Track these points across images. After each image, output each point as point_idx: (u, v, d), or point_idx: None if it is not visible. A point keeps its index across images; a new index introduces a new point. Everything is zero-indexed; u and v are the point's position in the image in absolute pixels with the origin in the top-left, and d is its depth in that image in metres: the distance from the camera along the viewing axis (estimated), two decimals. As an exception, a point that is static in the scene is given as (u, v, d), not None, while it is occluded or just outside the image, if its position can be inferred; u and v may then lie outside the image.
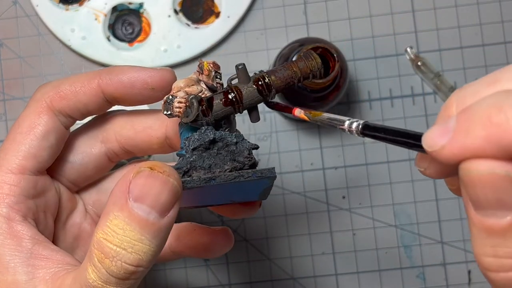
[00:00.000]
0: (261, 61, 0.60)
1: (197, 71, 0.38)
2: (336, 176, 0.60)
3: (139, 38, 0.61)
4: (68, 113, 0.40)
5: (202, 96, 0.37)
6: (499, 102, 0.23)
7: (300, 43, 0.54)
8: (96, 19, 0.60)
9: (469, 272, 0.59)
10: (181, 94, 0.37)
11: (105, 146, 0.42)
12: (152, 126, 0.41)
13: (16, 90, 0.61)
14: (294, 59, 0.38)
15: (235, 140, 0.36)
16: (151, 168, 0.32)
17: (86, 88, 0.39)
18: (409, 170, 0.59)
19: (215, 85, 0.38)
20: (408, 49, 0.59)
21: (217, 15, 0.60)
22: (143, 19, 0.61)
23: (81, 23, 0.60)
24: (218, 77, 0.38)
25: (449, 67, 0.60)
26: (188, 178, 0.35)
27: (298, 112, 0.36)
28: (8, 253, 0.36)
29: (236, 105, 0.36)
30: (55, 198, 0.41)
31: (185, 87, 0.37)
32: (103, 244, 0.32)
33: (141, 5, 0.60)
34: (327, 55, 0.49)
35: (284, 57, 0.53)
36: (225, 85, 0.38)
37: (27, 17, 0.61)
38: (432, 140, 0.25)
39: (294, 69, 0.37)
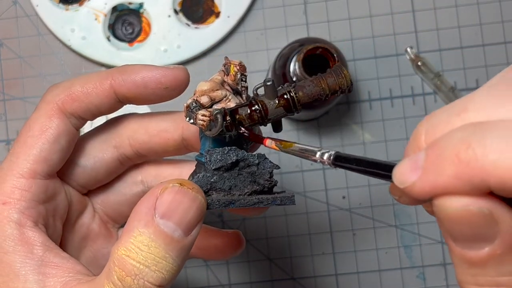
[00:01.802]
0: (261, 61, 0.60)
1: (222, 71, 0.37)
2: (336, 176, 0.60)
3: (139, 38, 0.61)
4: (79, 115, 0.39)
5: (227, 102, 0.36)
6: (467, 138, 0.23)
7: (300, 43, 0.54)
8: (96, 19, 0.60)
9: (469, 272, 0.59)
10: (205, 99, 0.36)
11: (118, 151, 0.41)
12: (167, 129, 0.40)
13: (16, 90, 0.61)
14: (324, 73, 0.37)
15: (257, 161, 0.36)
16: (180, 184, 0.32)
17: (99, 90, 0.38)
18: (409, 170, 0.59)
19: (240, 88, 0.37)
20: (408, 49, 0.59)
21: (217, 15, 0.60)
22: (143, 19, 0.61)
23: (81, 23, 0.60)
24: (244, 79, 0.37)
25: (449, 67, 0.60)
26: (209, 201, 0.34)
27: (269, 143, 0.35)
28: (19, 260, 0.35)
29: (261, 120, 0.36)
30: (65, 201, 0.40)
31: (209, 91, 0.36)
32: (125, 262, 0.31)
33: (141, 5, 0.60)
34: (327, 55, 0.49)
35: (284, 57, 0.53)
36: (249, 90, 0.37)
37: (27, 17, 0.61)
38: (403, 176, 0.25)
39: (323, 85, 0.36)
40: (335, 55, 0.49)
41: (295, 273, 0.59)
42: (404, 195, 0.28)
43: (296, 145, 0.33)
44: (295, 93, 0.36)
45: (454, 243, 0.24)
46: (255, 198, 0.35)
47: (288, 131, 0.60)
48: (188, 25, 0.61)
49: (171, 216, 0.32)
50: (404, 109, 0.60)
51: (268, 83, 0.36)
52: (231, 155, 0.36)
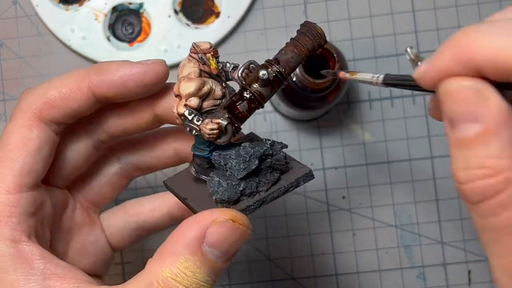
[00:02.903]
0: (261, 61, 0.60)
1: (195, 59, 0.36)
2: (336, 176, 0.60)
3: (139, 38, 0.61)
4: (58, 120, 0.38)
5: (214, 93, 0.35)
6: (467, 28, 0.28)
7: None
8: (96, 19, 0.60)
9: (469, 272, 0.59)
10: (195, 102, 0.34)
11: (92, 138, 0.41)
12: (139, 109, 0.40)
13: (16, 90, 0.61)
14: (299, 37, 0.36)
15: (271, 151, 0.36)
16: (233, 221, 0.33)
17: (76, 93, 0.37)
18: (409, 170, 0.59)
19: (219, 72, 0.36)
20: (408, 49, 0.59)
21: (217, 15, 0.60)
22: (143, 19, 0.61)
23: (81, 23, 0.60)
24: (219, 62, 0.36)
25: (449, 67, 0.60)
26: (243, 207, 0.35)
27: (343, 74, 0.39)
28: (22, 278, 0.34)
29: (259, 106, 0.36)
30: (51, 206, 0.40)
31: (196, 91, 0.35)
32: (171, 284, 0.32)
33: (141, 5, 0.60)
34: (327, 55, 0.49)
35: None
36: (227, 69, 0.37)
37: (27, 17, 0.61)
38: (419, 70, 0.30)
39: (304, 51, 0.36)
40: (335, 55, 0.49)
41: (295, 273, 0.59)
42: (432, 103, 0.33)
43: (358, 73, 0.38)
44: (284, 70, 0.35)
45: (451, 127, 0.27)
46: (282, 187, 0.36)
47: (289, 131, 0.60)
48: (188, 25, 0.61)
49: (219, 246, 0.33)
50: (404, 109, 0.60)
51: (264, 77, 0.35)
52: (254, 162, 0.35)
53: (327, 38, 0.59)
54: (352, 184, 0.59)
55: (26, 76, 0.61)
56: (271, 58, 0.37)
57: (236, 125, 0.35)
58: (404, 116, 0.60)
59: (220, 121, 0.34)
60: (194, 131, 0.34)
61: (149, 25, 0.61)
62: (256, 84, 0.35)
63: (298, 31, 0.36)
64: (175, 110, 0.35)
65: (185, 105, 0.34)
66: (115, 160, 0.44)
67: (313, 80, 0.49)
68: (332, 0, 0.60)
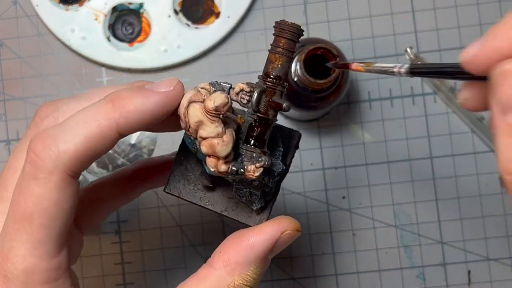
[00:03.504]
0: (261, 61, 0.60)
1: (221, 120, 0.34)
2: (336, 176, 0.60)
3: (139, 38, 0.61)
4: (85, 168, 0.35)
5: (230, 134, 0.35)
6: None
7: (301, 44, 0.54)
8: (96, 19, 0.60)
9: (469, 272, 0.59)
10: (231, 156, 0.35)
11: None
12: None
13: (16, 90, 0.61)
14: (273, 45, 0.38)
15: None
16: (297, 230, 0.38)
17: (104, 140, 0.34)
18: (409, 170, 0.59)
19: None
20: (408, 49, 0.59)
21: (217, 15, 0.60)
22: (143, 19, 0.61)
23: (81, 23, 0.60)
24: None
25: (449, 67, 0.60)
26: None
27: (355, 66, 0.39)
28: None
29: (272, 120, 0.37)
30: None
31: (229, 154, 0.35)
32: None
33: (141, 5, 0.60)
34: (328, 55, 0.49)
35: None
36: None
37: (27, 17, 0.61)
38: (467, 52, 0.28)
39: (289, 55, 0.37)
40: (336, 55, 0.49)
41: (295, 273, 0.59)
42: (471, 93, 0.30)
43: (375, 64, 0.37)
44: (282, 86, 0.37)
45: (504, 113, 0.26)
46: (288, 161, 0.39)
47: (288, 131, 0.60)
48: (188, 25, 0.61)
49: (279, 250, 0.38)
50: (404, 109, 0.60)
51: (288, 109, 0.36)
52: (263, 196, 0.38)
53: (327, 38, 0.60)
54: (352, 184, 0.59)
55: (26, 76, 0.61)
56: (269, 72, 0.37)
57: (267, 151, 0.37)
58: (403, 116, 0.60)
59: (263, 163, 0.35)
60: (237, 179, 0.36)
61: (149, 25, 0.61)
62: (272, 111, 0.36)
63: (277, 35, 0.37)
64: (214, 170, 0.35)
65: (226, 163, 0.35)
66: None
67: (314, 80, 0.49)
68: (332, 0, 0.60)
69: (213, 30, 0.60)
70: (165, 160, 0.45)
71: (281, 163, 0.37)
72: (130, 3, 0.60)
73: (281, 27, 0.37)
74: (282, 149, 0.38)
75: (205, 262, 0.60)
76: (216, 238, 0.59)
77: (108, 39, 0.60)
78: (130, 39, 0.61)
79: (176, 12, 0.60)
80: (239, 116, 0.36)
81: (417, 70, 0.33)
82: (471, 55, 0.27)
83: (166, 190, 0.39)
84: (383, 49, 0.60)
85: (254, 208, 0.38)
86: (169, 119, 0.36)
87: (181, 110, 0.35)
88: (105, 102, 0.34)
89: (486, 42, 0.27)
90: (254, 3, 0.61)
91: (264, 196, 0.38)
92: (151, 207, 0.60)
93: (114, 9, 0.60)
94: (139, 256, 0.60)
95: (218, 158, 0.34)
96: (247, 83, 0.36)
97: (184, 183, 0.39)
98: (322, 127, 0.60)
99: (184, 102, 0.35)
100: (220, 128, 0.34)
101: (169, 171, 0.39)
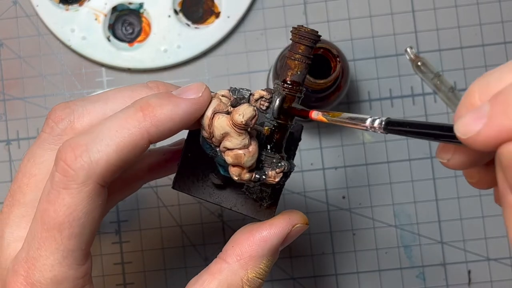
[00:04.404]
0: (261, 61, 0.60)
1: (248, 133, 0.34)
2: (336, 176, 0.60)
3: (139, 38, 0.61)
4: (116, 177, 0.35)
5: (253, 142, 0.35)
6: None
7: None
8: (96, 19, 0.60)
9: (469, 272, 0.59)
10: (254, 165, 0.36)
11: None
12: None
13: (16, 90, 0.61)
14: (292, 48, 0.38)
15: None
16: (307, 224, 0.39)
17: (136, 150, 0.34)
18: (409, 170, 0.59)
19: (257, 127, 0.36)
20: (408, 49, 0.59)
21: (217, 15, 0.60)
22: (143, 19, 0.61)
23: (81, 23, 0.60)
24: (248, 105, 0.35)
25: (449, 67, 0.60)
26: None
27: (316, 114, 0.35)
28: None
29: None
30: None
31: (254, 161, 0.35)
32: (256, 282, 0.39)
33: (141, 5, 0.60)
34: (328, 55, 0.49)
35: (285, 58, 0.53)
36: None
37: (27, 17, 0.61)
38: (466, 127, 0.25)
39: (307, 62, 0.37)
40: (336, 55, 0.49)
41: (295, 273, 0.59)
42: (455, 155, 0.28)
43: (344, 113, 0.33)
44: (300, 93, 0.37)
45: None
46: (288, 162, 0.38)
47: (288, 131, 0.60)
48: (188, 25, 0.61)
49: (288, 242, 0.39)
50: (404, 109, 0.60)
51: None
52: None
53: (327, 38, 0.60)
54: (352, 184, 0.59)
55: (26, 76, 0.61)
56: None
57: (284, 155, 0.37)
58: (403, 116, 0.60)
59: (283, 168, 0.36)
60: (259, 184, 0.37)
61: (149, 25, 0.61)
62: (291, 116, 0.37)
63: (297, 42, 0.37)
64: (237, 178, 0.36)
65: (250, 171, 0.36)
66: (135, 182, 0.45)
67: (314, 80, 0.49)
68: (332, 0, 0.60)
69: (213, 30, 0.60)
70: (166, 150, 0.45)
71: (293, 162, 0.38)
72: (130, 3, 0.60)
73: (300, 34, 0.37)
74: (293, 148, 0.39)
75: (205, 262, 0.60)
76: (216, 238, 0.59)
77: (108, 39, 0.60)
78: (130, 39, 0.61)
79: (176, 12, 0.60)
80: (266, 128, 0.36)
81: (395, 128, 0.30)
82: (473, 131, 0.25)
83: (174, 188, 0.39)
84: (383, 49, 0.60)
85: (265, 205, 0.39)
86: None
87: (205, 121, 0.34)
88: (135, 111, 0.34)
89: (494, 121, 0.24)
90: (254, 3, 0.61)
91: (274, 193, 0.39)
92: (151, 207, 0.60)
93: (114, 9, 0.61)
94: (139, 256, 0.60)
95: (242, 168, 0.35)
96: (267, 90, 0.36)
97: (192, 179, 0.39)
98: (322, 127, 0.60)
99: (208, 113, 0.34)
100: (246, 140, 0.34)
101: (171, 161, 0.40)
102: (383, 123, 0.30)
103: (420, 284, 0.59)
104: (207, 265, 0.61)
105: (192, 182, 0.39)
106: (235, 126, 0.34)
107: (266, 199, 0.39)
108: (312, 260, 0.59)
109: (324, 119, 0.34)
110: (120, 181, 0.43)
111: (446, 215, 0.59)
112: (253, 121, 0.33)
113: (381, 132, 0.30)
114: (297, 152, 0.40)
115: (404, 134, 0.29)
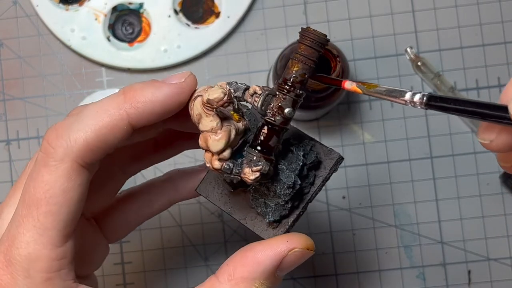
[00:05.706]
0: (261, 61, 0.60)
1: (217, 115, 0.34)
2: (336, 176, 0.59)
3: (139, 38, 0.61)
4: (97, 160, 0.35)
5: (240, 135, 0.35)
6: None
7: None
8: (96, 19, 0.60)
9: (469, 272, 0.59)
10: (227, 153, 0.34)
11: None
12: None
13: (16, 90, 0.61)
14: (295, 48, 0.37)
15: (305, 161, 0.37)
16: (308, 249, 0.36)
17: (115, 131, 0.35)
18: (409, 170, 0.59)
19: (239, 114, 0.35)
20: (408, 49, 0.59)
21: (217, 15, 0.60)
22: (143, 19, 0.61)
23: (81, 23, 0.60)
24: (234, 99, 0.35)
25: (449, 67, 0.60)
26: (296, 221, 0.38)
27: (349, 84, 0.33)
28: None
29: (285, 131, 0.36)
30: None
31: (227, 145, 0.34)
32: None
33: (141, 5, 0.60)
34: (328, 55, 0.49)
35: (286, 58, 0.53)
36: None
37: (27, 17, 0.61)
38: None
39: (312, 63, 0.36)
40: (336, 55, 0.49)
41: (295, 273, 0.59)
42: (500, 135, 0.28)
43: (381, 86, 0.31)
44: (301, 93, 0.36)
45: None
46: (319, 184, 0.37)
47: (288, 131, 0.60)
48: (188, 25, 0.61)
49: (289, 269, 0.36)
50: (404, 109, 0.60)
51: (290, 115, 0.35)
52: (296, 182, 0.36)
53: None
54: (352, 184, 0.59)
55: (26, 76, 0.61)
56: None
57: (271, 158, 0.35)
58: (404, 116, 0.60)
59: (259, 167, 0.34)
60: (235, 180, 0.35)
61: (149, 25, 0.61)
62: (279, 117, 0.35)
63: (299, 41, 0.36)
64: (209, 165, 0.35)
65: (219, 160, 0.34)
66: (119, 173, 0.43)
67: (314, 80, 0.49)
68: (332, 0, 0.60)
69: (213, 30, 0.60)
70: (196, 170, 0.45)
71: (294, 175, 0.36)
72: (130, 3, 0.60)
73: (308, 36, 0.36)
74: (301, 163, 0.37)
75: (205, 262, 0.60)
76: (216, 238, 0.59)
77: (108, 39, 0.60)
78: (130, 39, 0.61)
79: (176, 12, 0.60)
80: (233, 113, 0.35)
81: (437, 104, 0.28)
82: None
83: (197, 190, 0.40)
84: (383, 49, 0.60)
85: (267, 220, 0.37)
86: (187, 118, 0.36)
87: (190, 104, 0.35)
88: (118, 94, 0.35)
89: None
90: (254, 3, 0.61)
91: (278, 210, 0.37)
92: (151, 207, 0.60)
93: (114, 9, 0.61)
94: (139, 256, 0.60)
95: (212, 154, 0.34)
96: (262, 86, 0.35)
97: (214, 185, 0.39)
98: (322, 127, 0.60)
99: (192, 97, 0.35)
100: (214, 123, 0.34)
101: (178, 140, 0.41)
102: (424, 98, 0.29)
103: (420, 284, 0.59)
104: (208, 265, 0.62)
105: (213, 188, 0.39)
106: (203, 106, 0.34)
107: (270, 215, 0.37)
108: (312, 260, 0.59)
109: (358, 90, 0.32)
110: (128, 156, 0.43)
111: (446, 215, 0.59)
112: (219, 102, 0.33)
113: (421, 108, 0.29)
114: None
115: (446, 111, 0.28)
